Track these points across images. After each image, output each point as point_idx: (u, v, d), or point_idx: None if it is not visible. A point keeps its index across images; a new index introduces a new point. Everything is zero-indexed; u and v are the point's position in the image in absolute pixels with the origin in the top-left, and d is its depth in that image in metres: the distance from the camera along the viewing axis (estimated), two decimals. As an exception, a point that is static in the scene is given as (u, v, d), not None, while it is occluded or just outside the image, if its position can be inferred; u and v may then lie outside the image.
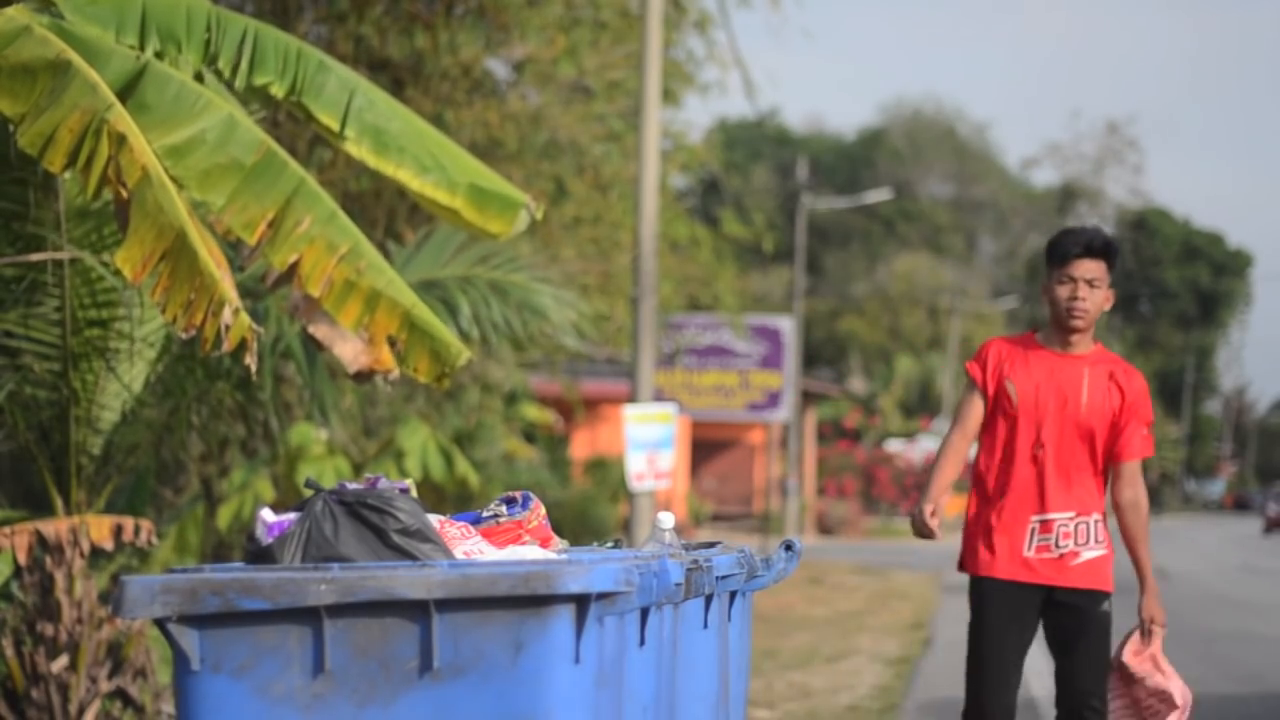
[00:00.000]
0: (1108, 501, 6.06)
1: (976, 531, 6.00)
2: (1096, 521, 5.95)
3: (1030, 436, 5.93)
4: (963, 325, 62.79)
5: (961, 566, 6.11)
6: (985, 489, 6.00)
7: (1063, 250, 5.96)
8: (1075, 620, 5.93)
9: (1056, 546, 5.91)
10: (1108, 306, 6.02)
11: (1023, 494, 5.93)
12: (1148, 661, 5.99)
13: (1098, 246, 5.93)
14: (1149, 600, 6.00)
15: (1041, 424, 5.93)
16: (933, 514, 5.93)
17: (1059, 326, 6.00)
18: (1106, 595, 5.97)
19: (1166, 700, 5.95)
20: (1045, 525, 5.91)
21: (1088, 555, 5.93)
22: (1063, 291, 5.94)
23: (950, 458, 6.04)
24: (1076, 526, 5.92)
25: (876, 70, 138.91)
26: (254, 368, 5.76)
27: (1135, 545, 6.01)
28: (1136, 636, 6.03)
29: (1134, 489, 5.98)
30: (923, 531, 5.94)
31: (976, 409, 6.03)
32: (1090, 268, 5.93)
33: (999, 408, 6.00)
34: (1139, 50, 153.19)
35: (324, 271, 6.11)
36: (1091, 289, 5.93)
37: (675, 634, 4.47)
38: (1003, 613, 5.92)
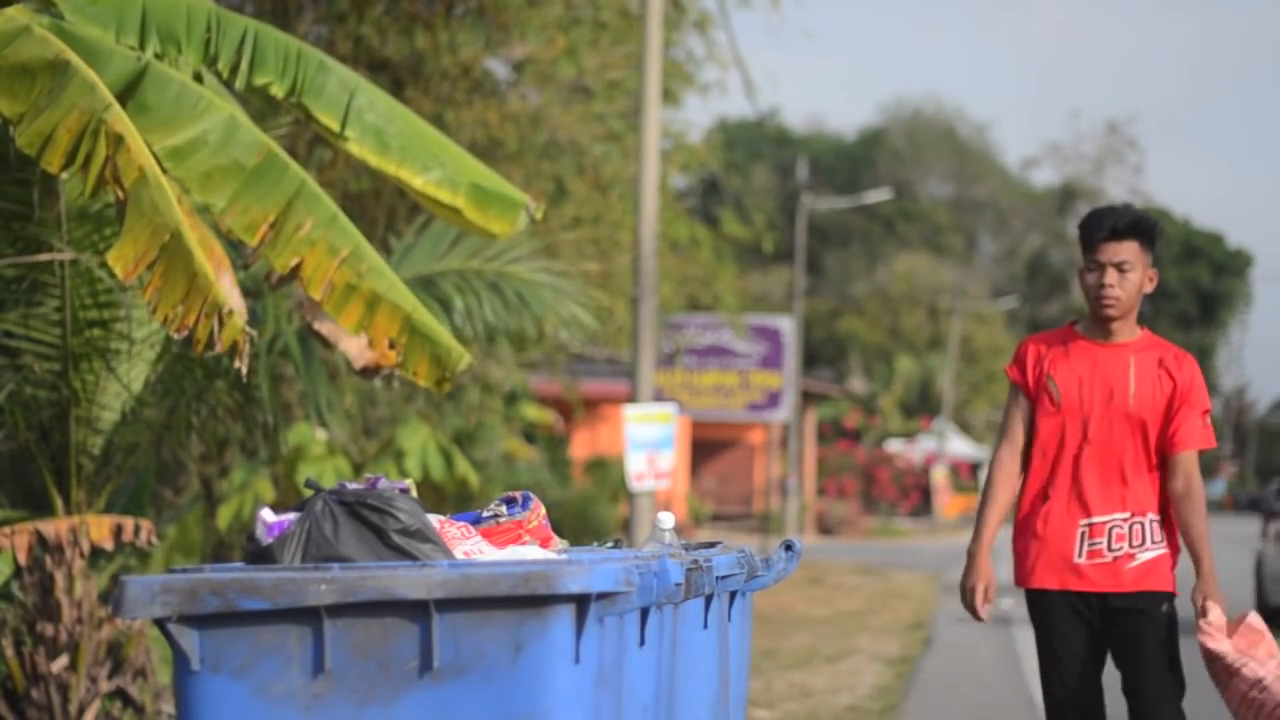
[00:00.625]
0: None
1: (1025, 540, 5.58)
2: (1153, 521, 5.51)
3: (1076, 434, 5.51)
4: (963, 325, 62.74)
5: (1016, 580, 5.66)
6: (1031, 493, 5.60)
7: (1088, 234, 5.53)
8: (1135, 627, 5.48)
9: (1110, 550, 5.48)
10: (1149, 289, 5.57)
11: (1070, 496, 5.51)
12: (1216, 636, 5.42)
13: (1123, 227, 5.48)
14: (1202, 583, 5.43)
15: (1088, 420, 5.51)
16: (985, 593, 5.56)
17: (1094, 316, 5.58)
18: (1168, 596, 5.52)
19: (1265, 688, 5.35)
20: (1096, 528, 5.48)
21: (1144, 556, 5.49)
22: (1091, 279, 5.52)
23: (1002, 481, 5.62)
24: (1131, 527, 5.49)
25: (876, 70, 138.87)
26: (244, 371, 5.76)
27: (1191, 537, 5.47)
28: (1201, 624, 5.44)
29: (1186, 479, 5.48)
30: (972, 609, 5.60)
31: (1022, 415, 5.63)
32: (1119, 250, 5.48)
33: (1042, 407, 5.57)
34: (1139, 50, 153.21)
35: (325, 275, 6.11)
36: (1122, 273, 5.49)
37: (675, 634, 4.47)
38: (1063, 626, 5.51)
